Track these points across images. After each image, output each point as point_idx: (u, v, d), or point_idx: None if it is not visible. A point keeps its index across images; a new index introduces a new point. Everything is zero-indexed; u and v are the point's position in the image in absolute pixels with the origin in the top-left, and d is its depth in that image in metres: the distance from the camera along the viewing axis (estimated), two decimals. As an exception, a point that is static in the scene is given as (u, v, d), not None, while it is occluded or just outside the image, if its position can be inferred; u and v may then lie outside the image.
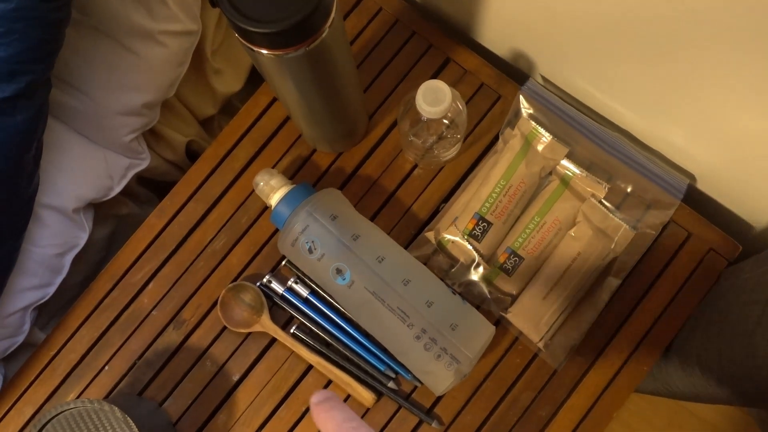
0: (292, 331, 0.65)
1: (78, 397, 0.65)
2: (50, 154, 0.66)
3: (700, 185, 0.66)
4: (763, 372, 0.47)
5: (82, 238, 0.69)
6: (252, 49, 0.45)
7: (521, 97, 0.65)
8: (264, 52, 0.44)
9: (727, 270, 0.63)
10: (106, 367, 0.66)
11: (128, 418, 0.57)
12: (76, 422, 0.57)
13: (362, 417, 0.63)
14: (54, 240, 0.66)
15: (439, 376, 0.56)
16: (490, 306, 0.62)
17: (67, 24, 0.56)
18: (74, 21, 0.60)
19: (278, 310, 0.66)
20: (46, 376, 0.66)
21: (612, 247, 0.62)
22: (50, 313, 0.74)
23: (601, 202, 0.63)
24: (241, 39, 0.44)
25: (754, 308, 0.50)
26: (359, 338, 0.64)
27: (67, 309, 0.68)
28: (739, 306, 0.54)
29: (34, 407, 0.66)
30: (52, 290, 0.68)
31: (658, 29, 0.49)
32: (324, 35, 0.44)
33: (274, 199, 0.61)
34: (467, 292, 0.63)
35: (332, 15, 0.44)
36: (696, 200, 0.66)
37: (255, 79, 0.89)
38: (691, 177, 0.66)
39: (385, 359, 0.63)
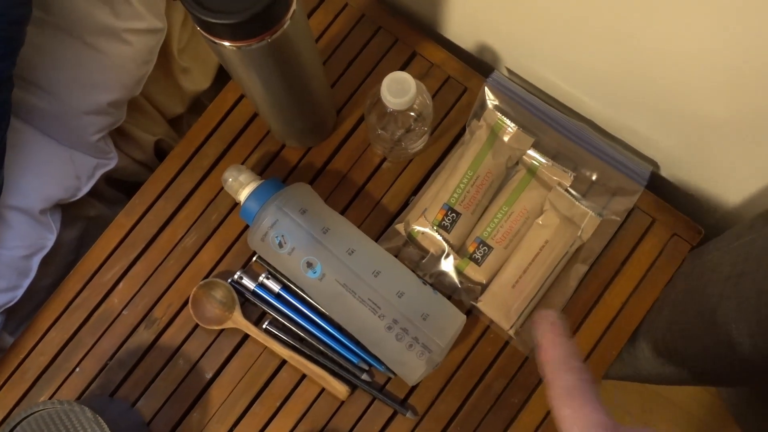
0: (264, 326, 0.65)
1: (49, 400, 0.65)
2: (15, 155, 0.65)
3: (663, 172, 0.67)
4: (722, 349, 0.48)
5: (50, 240, 0.69)
6: (214, 42, 0.45)
7: (486, 89, 0.66)
8: (226, 44, 0.44)
9: (691, 253, 0.64)
10: (77, 369, 0.65)
11: (99, 419, 0.56)
12: (47, 424, 0.57)
13: (337, 410, 0.63)
14: (20, 242, 0.65)
15: (411, 366, 0.57)
16: (461, 296, 0.63)
17: (28, 22, 0.55)
18: (37, 19, 0.60)
19: (250, 306, 0.66)
20: (15, 380, 0.65)
21: (579, 234, 0.63)
22: (20, 318, 0.73)
23: (567, 191, 0.64)
24: (202, 32, 0.44)
25: (715, 286, 0.52)
26: (332, 331, 0.64)
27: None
28: (701, 285, 0.55)
29: (3, 412, 0.65)
30: (20, 293, 0.67)
31: (617, 18, 0.50)
32: (285, 26, 0.44)
33: (243, 195, 0.61)
34: (438, 283, 0.63)
35: (293, 6, 0.44)
36: (659, 186, 0.68)
37: (223, 77, 0.89)
38: (654, 164, 0.67)
39: (358, 352, 0.64)
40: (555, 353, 0.33)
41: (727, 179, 0.61)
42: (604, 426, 0.29)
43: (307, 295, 0.65)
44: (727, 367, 0.51)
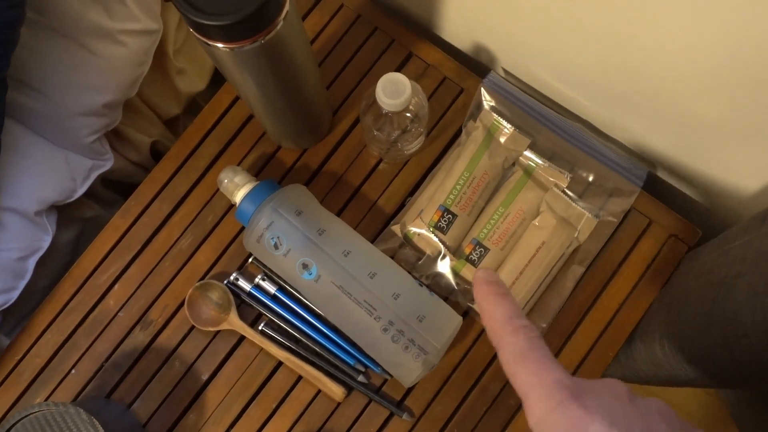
0: (260, 328, 0.65)
1: (44, 401, 0.64)
2: (10, 156, 0.65)
3: (660, 173, 0.67)
4: (718, 350, 0.48)
5: (46, 241, 0.68)
6: (208, 44, 0.45)
7: (483, 89, 0.66)
8: (220, 46, 0.44)
9: (688, 254, 0.64)
10: (73, 371, 0.65)
11: (95, 421, 0.56)
12: (42, 426, 0.57)
13: (333, 412, 0.63)
14: (16, 243, 0.65)
15: (407, 368, 0.57)
16: (458, 297, 0.63)
17: (22, 23, 0.55)
18: (31, 21, 0.60)
19: (246, 307, 0.66)
20: (10, 382, 0.65)
21: (575, 235, 0.63)
22: (16, 319, 0.73)
23: (563, 192, 0.64)
24: (195, 33, 0.44)
25: (711, 289, 0.52)
26: (328, 333, 0.64)
27: (33, 314, 0.67)
28: (698, 288, 0.55)
29: (-1, 414, 0.65)
30: (15, 295, 0.67)
31: (613, 18, 0.50)
32: (279, 27, 0.44)
33: (238, 197, 0.61)
34: (434, 284, 0.63)
35: (286, 7, 0.44)
36: (656, 187, 0.68)
37: (219, 78, 0.89)
38: (651, 165, 0.67)
39: (354, 353, 0.64)
40: (496, 314, 0.32)
41: (723, 180, 0.61)
42: (561, 385, 0.28)
43: (303, 297, 0.65)
44: (724, 368, 0.50)
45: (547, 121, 0.65)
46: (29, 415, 0.57)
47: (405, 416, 0.62)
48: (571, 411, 0.27)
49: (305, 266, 0.58)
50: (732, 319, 0.47)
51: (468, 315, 0.64)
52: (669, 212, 0.66)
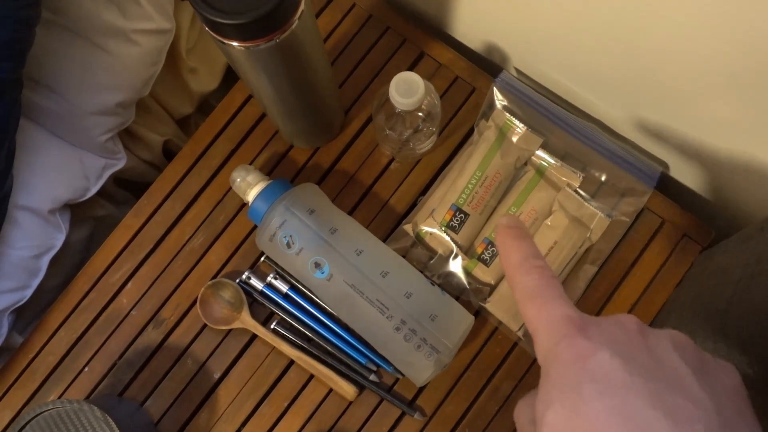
0: (272, 326, 0.65)
1: (58, 399, 0.65)
2: (24, 155, 0.65)
3: (673, 173, 0.67)
4: (733, 351, 0.47)
5: (59, 240, 0.69)
6: (223, 43, 0.45)
7: (495, 89, 0.65)
8: (235, 44, 0.44)
9: (701, 254, 0.63)
10: (86, 369, 0.66)
11: (108, 418, 0.56)
12: (56, 423, 0.57)
13: (344, 411, 0.63)
14: (30, 242, 0.66)
15: (419, 367, 0.57)
16: (470, 296, 0.63)
17: (37, 22, 0.56)
18: (46, 20, 0.60)
19: (258, 306, 0.66)
20: (24, 380, 0.66)
21: (588, 235, 0.63)
22: (29, 317, 0.73)
23: (576, 191, 0.64)
24: (211, 32, 0.44)
25: (726, 289, 0.51)
26: (340, 332, 0.64)
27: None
28: (711, 288, 0.55)
29: (12, 411, 0.65)
30: (29, 293, 0.68)
31: (625, 18, 0.50)
32: (294, 27, 0.44)
33: (251, 195, 0.61)
34: (446, 283, 0.63)
35: (301, 6, 0.44)
36: (669, 187, 0.67)
37: (231, 77, 0.89)
38: (664, 165, 0.66)
39: (366, 352, 0.64)
40: (513, 257, 0.32)
41: (737, 180, 0.60)
42: (568, 319, 0.28)
43: (315, 296, 0.65)
44: (739, 370, 0.50)
45: (559, 120, 0.65)
46: (43, 412, 0.57)
47: (416, 415, 0.62)
48: (575, 342, 0.27)
49: (317, 265, 0.58)
50: (748, 320, 0.47)
51: (480, 314, 0.64)
52: (682, 212, 0.65)
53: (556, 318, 0.29)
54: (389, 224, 0.67)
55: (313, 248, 0.58)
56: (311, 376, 0.64)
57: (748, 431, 0.27)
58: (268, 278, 0.66)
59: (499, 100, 0.65)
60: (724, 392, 0.28)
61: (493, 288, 0.63)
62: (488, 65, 0.73)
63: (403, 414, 0.63)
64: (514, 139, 0.65)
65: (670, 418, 0.25)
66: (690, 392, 0.26)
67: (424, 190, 0.67)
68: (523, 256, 0.31)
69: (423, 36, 0.71)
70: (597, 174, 0.64)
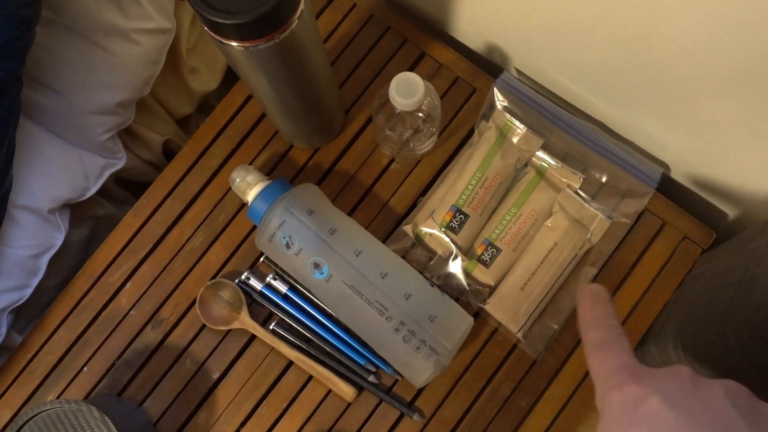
0: (271, 327, 0.65)
1: (56, 399, 0.65)
2: (24, 154, 0.65)
3: (674, 174, 0.67)
4: (733, 353, 0.47)
5: (59, 239, 0.69)
6: (222, 43, 0.45)
7: (496, 89, 0.65)
8: (234, 44, 0.44)
9: (702, 256, 0.63)
10: (85, 369, 0.66)
11: (107, 419, 0.56)
12: (54, 423, 0.57)
13: (343, 412, 0.63)
14: (29, 241, 0.66)
15: (418, 368, 0.56)
16: (469, 298, 0.63)
17: (37, 21, 0.56)
18: (46, 20, 0.60)
19: (257, 306, 0.66)
20: (23, 379, 0.66)
21: (588, 236, 0.63)
22: (29, 317, 0.73)
23: (576, 193, 0.64)
24: (210, 32, 0.44)
25: (726, 291, 0.51)
26: (339, 333, 0.64)
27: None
28: (712, 290, 0.54)
29: (11, 411, 0.65)
30: (28, 292, 0.67)
31: (626, 18, 0.50)
32: (293, 26, 0.44)
33: (250, 196, 0.61)
34: (446, 285, 0.63)
35: (301, 6, 0.44)
36: (670, 189, 0.67)
37: (231, 77, 0.89)
38: (665, 166, 0.66)
39: (365, 353, 0.63)
40: (589, 314, 0.34)
41: (738, 181, 0.60)
42: (625, 367, 0.30)
43: (314, 296, 0.65)
44: (740, 372, 0.50)
45: (560, 121, 0.65)
46: (42, 412, 0.57)
47: (415, 417, 0.62)
48: (627, 387, 0.29)
49: (317, 266, 0.57)
50: (748, 322, 0.47)
51: (479, 316, 0.64)
52: (683, 214, 0.65)
53: (614, 366, 0.30)
54: (389, 225, 0.67)
55: (312, 249, 0.58)
56: (310, 377, 0.64)
57: None
58: (268, 279, 0.65)
59: (500, 100, 0.65)
60: None
61: (492, 289, 0.63)
62: (489, 66, 0.73)
63: (402, 415, 0.63)
64: (515, 139, 0.65)
65: None
66: None
67: (424, 191, 0.67)
68: (601, 314, 0.33)
69: (423, 36, 0.71)
70: (597, 175, 0.64)
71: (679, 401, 0.27)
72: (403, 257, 0.63)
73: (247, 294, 0.65)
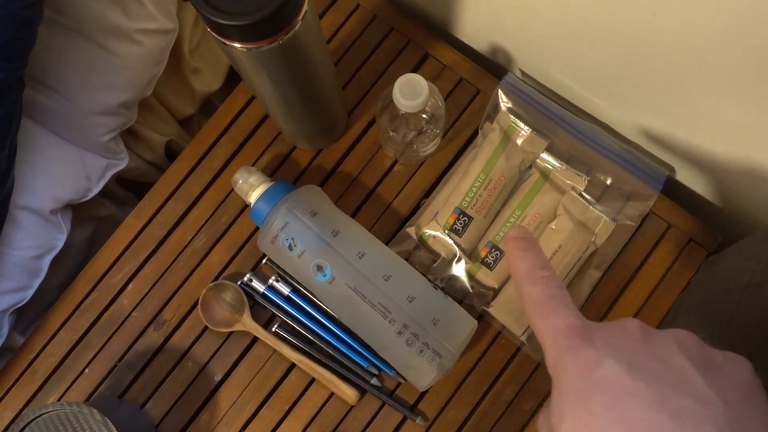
0: (273, 329, 0.64)
1: (58, 401, 0.65)
2: (26, 155, 0.65)
3: (680, 177, 0.66)
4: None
5: (60, 240, 0.69)
6: (225, 44, 0.44)
7: (500, 91, 0.65)
8: (237, 45, 0.44)
9: (707, 260, 0.63)
10: (86, 370, 0.65)
11: (108, 421, 0.56)
12: (55, 425, 0.57)
13: (346, 415, 0.63)
14: (31, 242, 0.65)
15: (421, 371, 0.56)
16: (473, 300, 0.62)
17: (39, 22, 0.55)
18: (49, 20, 0.60)
19: (260, 308, 0.65)
20: (25, 381, 0.65)
21: (592, 239, 0.62)
22: (30, 318, 0.73)
23: (581, 195, 0.63)
24: (213, 33, 0.44)
25: (732, 295, 0.51)
26: (342, 335, 0.64)
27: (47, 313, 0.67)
28: (718, 293, 0.54)
29: (13, 412, 0.65)
30: (30, 293, 0.67)
31: (631, 19, 0.49)
32: (297, 28, 0.44)
33: (253, 197, 0.61)
34: (449, 287, 0.63)
35: (304, 7, 0.43)
36: (675, 191, 0.67)
37: (234, 78, 0.89)
38: (671, 168, 0.66)
39: (368, 356, 0.63)
40: (521, 267, 0.33)
41: (745, 184, 0.60)
42: (573, 329, 0.29)
43: (317, 299, 0.64)
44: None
45: (564, 123, 0.64)
46: (43, 414, 0.57)
47: (418, 420, 0.62)
48: (580, 353, 0.28)
49: (319, 268, 0.57)
50: (755, 328, 0.46)
51: (483, 319, 0.63)
52: (688, 216, 0.65)
53: (561, 328, 0.29)
54: (392, 227, 0.67)
55: (315, 251, 0.57)
56: (312, 380, 0.64)
57: (761, 422, 0.27)
58: (270, 280, 0.65)
59: (504, 102, 0.65)
60: (732, 386, 0.28)
61: (496, 292, 0.62)
62: (493, 67, 0.72)
63: (404, 418, 0.62)
64: (519, 141, 0.64)
65: (676, 420, 0.25)
66: (696, 391, 0.27)
67: (428, 193, 0.67)
68: (530, 267, 0.32)
69: (427, 37, 0.70)
70: (602, 177, 0.64)
71: (634, 362, 0.27)
72: (407, 259, 0.62)
73: (249, 296, 0.65)
